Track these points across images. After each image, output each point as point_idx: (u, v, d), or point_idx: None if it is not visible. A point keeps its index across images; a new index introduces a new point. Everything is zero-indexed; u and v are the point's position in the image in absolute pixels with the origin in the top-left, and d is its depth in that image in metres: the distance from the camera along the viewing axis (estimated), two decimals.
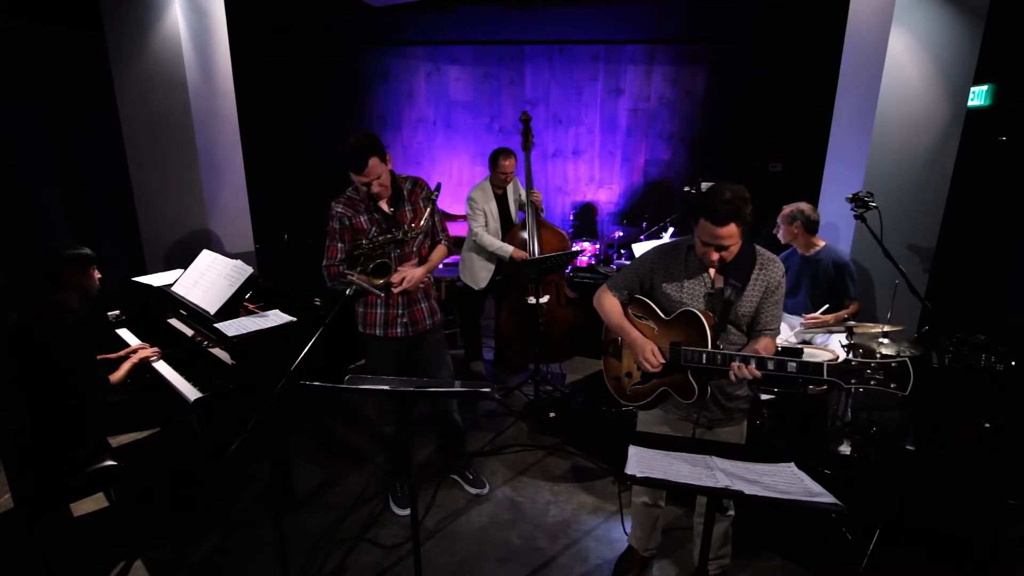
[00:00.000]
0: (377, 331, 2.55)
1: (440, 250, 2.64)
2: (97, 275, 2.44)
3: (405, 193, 2.50)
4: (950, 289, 4.13)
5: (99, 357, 2.64)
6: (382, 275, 2.40)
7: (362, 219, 2.44)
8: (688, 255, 1.98)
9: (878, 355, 1.63)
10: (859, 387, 1.61)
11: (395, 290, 2.43)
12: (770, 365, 1.72)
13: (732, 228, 1.76)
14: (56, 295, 2.33)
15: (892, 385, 1.57)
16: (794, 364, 1.70)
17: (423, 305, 2.60)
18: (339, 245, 2.45)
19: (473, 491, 2.90)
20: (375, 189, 2.34)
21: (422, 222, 2.48)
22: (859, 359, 1.62)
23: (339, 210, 2.43)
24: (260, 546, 2.54)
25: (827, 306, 2.96)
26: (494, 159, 3.81)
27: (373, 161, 2.27)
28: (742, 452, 1.52)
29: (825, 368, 1.64)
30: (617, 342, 2.14)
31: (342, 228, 2.43)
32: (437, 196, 2.50)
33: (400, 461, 2.83)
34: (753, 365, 1.74)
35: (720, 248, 1.80)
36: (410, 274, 2.44)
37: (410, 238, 2.46)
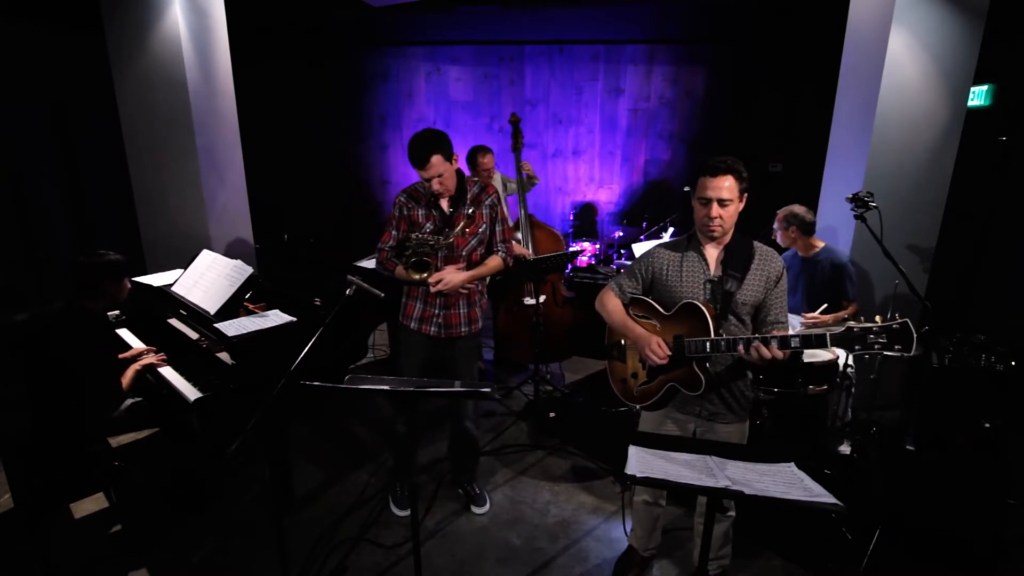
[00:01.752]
0: (412, 324, 2.56)
1: (494, 260, 2.57)
2: (128, 284, 2.44)
3: (469, 197, 2.49)
4: (950, 289, 4.13)
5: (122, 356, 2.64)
6: (420, 271, 2.40)
7: (419, 212, 2.46)
8: (688, 245, 2.01)
9: (878, 319, 1.62)
10: (864, 352, 1.60)
11: (432, 290, 2.43)
12: (774, 344, 1.73)
13: (729, 180, 1.85)
14: (86, 303, 2.31)
15: (896, 347, 1.56)
16: (797, 339, 1.71)
17: (462, 311, 2.56)
18: (393, 232, 2.50)
19: (473, 508, 2.81)
20: (435, 187, 2.36)
21: (478, 228, 2.47)
22: (860, 325, 1.61)
23: (402, 199, 2.48)
24: (260, 546, 2.54)
25: (825, 305, 2.95)
26: (472, 157, 3.85)
27: (436, 159, 2.29)
28: (742, 452, 1.52)
29: (828, 337, 1.64)
30: (621, 344, 2.14)
31: (400, 216, 2.48)
32: (497, 201, 2.51)
33: (401, 462, 2.83)
34: (757, 345, 1.75)
35: (720, 203, 1.86)
36: (449, 277, 2.40)
37: (448, 242, 2.43)
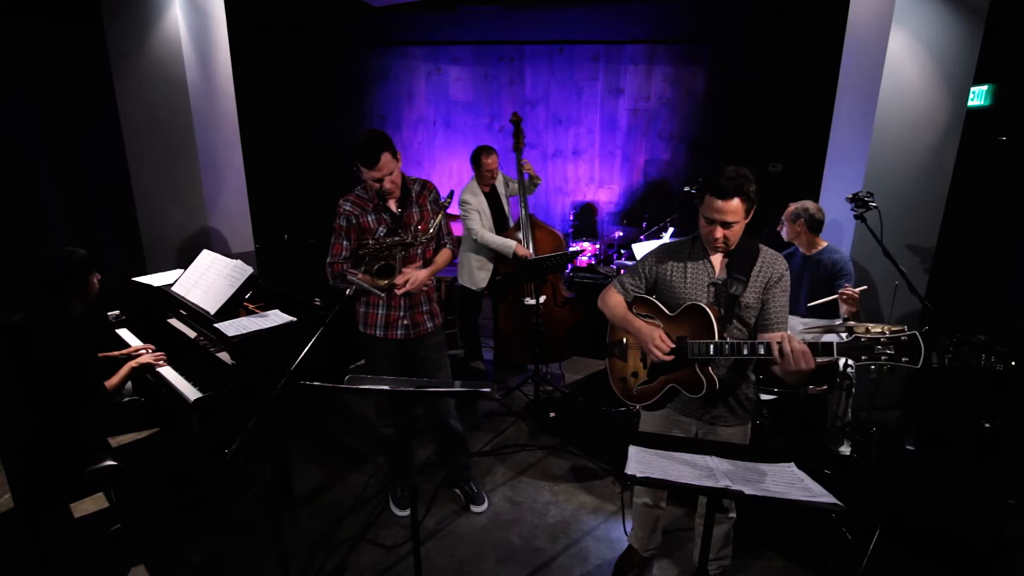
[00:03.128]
0: (377, 332, 2.54)
1: (445, 253, 2.61)
2: (97, 279, 2.41)
3: (413, 195, 2.49)
4: (950, 289, 4.13)
5: (101, 356, 2.64)
6: (386, 276, 2.39)
7: (369, 218, 2.44)
8: (693, 247, 2.00)
9: (886, 330, 1.59)
10: (871, 363, 1.58)
11: (398, 291, 2.41)
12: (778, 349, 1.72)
13: (736, 203, 1.79)
14: (57, 303, 2.29)
15: (904, 359, 1.53)
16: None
17: (425, 308, 2.58)
18: (344, 243, 2.46)
19: (472, 507, 2.81)
20: (387, 185, 2.34)
21: (428, 224, 2.46)
22: (868, 335, 1.58)
23: (347, 208, 2.44)
24: (260, 546, 2.54)
25: (829, 298, 2.92)
26: (476, 158, 3.84)
27: (385, 156, 2.28)
28: (742, 452, 1.52)
29: (835, 347, 1.62)
30: (622, 343, 2.14)
31: (348, 226, 2.44)
32: (449, 204, 2.49)
33: (400, 462, 2.83)
34: (763, 352, 1.74)
35: (724, 225, 1.82)
36: (414, 276, 2.41)
37: (418, 243, 2.44)
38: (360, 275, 2.39)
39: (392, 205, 2.46)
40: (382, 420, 2.74)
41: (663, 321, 1.99)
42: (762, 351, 1.75)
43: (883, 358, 1.57)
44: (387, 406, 2.71)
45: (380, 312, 2.53)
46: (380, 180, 2.32)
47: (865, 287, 2.87)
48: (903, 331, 1.55)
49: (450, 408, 2.77)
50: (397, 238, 2.41)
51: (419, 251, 2.50)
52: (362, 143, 2.29)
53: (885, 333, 1.57)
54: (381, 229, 2.44)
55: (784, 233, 3.18)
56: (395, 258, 2.43)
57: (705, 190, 1.84)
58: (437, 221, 2.47)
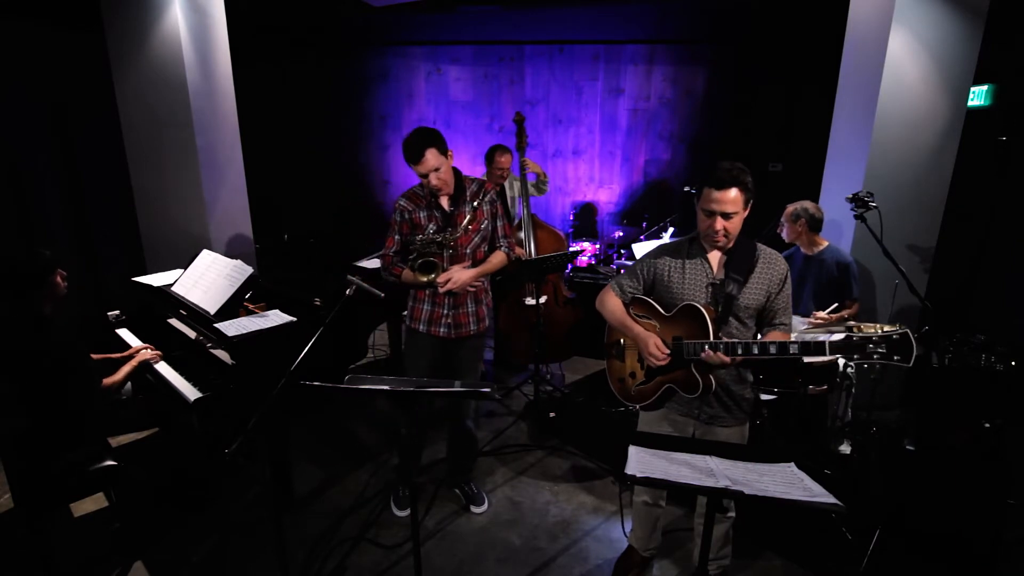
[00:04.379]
0: (420, 327, 2.56)
1: (498, 256, 2.58)
2: (61, 277, 2.32)
3: (468, 194, 2.49)
4: (950, 289, 4.12)
5: (100, 357, 2.63)
6: (427, 272, 2.40)
7: (421, 215, 2.47)
8: (691, 247, 2.00)
9: (878, 329, 1.62)
10: (863, 362, 1.60)
11: (440, 290, 2.42)
12: (772, 349, 1.74)
13: (734, 193, 1.81)
14: (19, 302, 2.24)
15: (896, 358, 1.56)
16: (796, 346, 1.71)
17: (470, 309, 2.56)
18: (396, 237, 2.51)
19: (472, 508, 2.81)
20: (434, 182, 2.36)
21: (480, 224, 2.47)
22: (860, 334, 1.60)
23: (402, 203, 2.49)
24: (260, 546, 2.54)
25: (836, 304, 2.95)
26: (490, 156, 3.83)
27: (430, 152, 2.30)
28: (742, 452, 1.52)
29: (827, 345, 1.64)
30: (620, 344, 2.14)
31: (401, 221, 2.49)
32: (494, 198, 2.51)
33: (406, 464, 2.83)
34: (757, 352, 1.75)
35: (724, 216, 1.83)
36: (457, 276, 2.40)
37: (455, 238, 2.43)
38: (405, 271, 2.45)
39: (444, 203, 2.47)
40: (391, 420, 2.74)
41: (659, 321, 1.99)
42: (756, 351, 1.75)
43: (875, 356, 1.59)
44: (394, 407, 2.71)
45: (425, 307, 2.55)
46: (426, 175, 2.35)
47: (845, 313, 2.92)
48: (895, 330, 1.57)
49: (470, 410, 2.77)
50: (439, 236, 2.42)
51: (468, 251, 2.49)
52: (407, 139, 2.33)
53: (877, 332, 1.59)
54: (431, 226, 2.46)
55: (784, 234, 3.18)
56: (440, 256, 2.43)
57: (702, 184, 1.87)
58: (481, 219, 2.46)
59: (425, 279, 2.39)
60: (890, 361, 1.57)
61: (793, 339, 1.76)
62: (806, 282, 3.16)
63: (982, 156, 3.86)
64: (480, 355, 2.73)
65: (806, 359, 2.72)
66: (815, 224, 3.07)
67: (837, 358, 2.79)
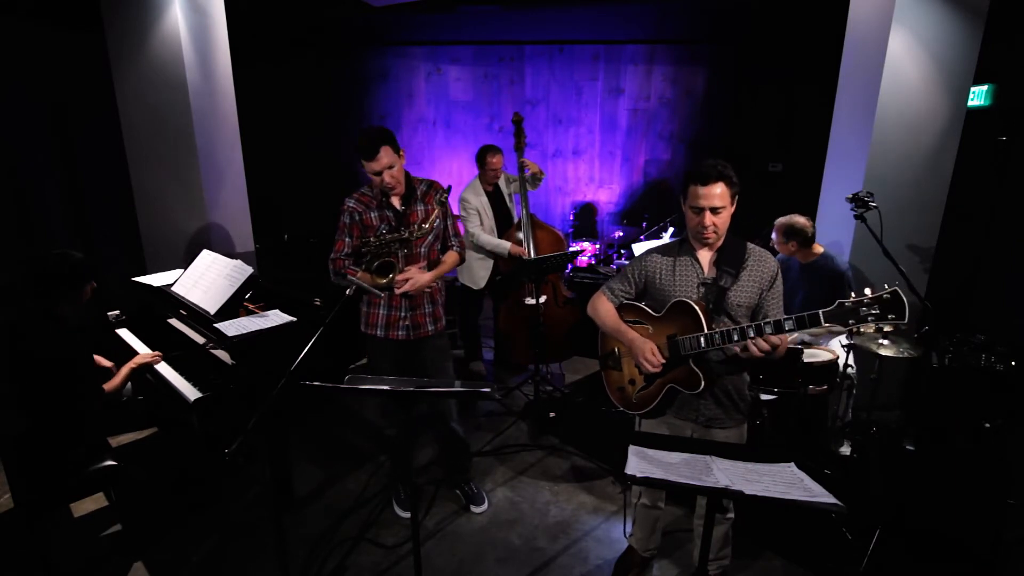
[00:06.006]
0: (378, 332, 2.53)
1: (451, 256, 2.59)
2: (92, 289, 2.36)
3: (419, 194, 2.49)
4: (950, 289, 4.13)
5: (99, 363, 2.63)
6: (385, 274, 2.38)
7: (372, 215, 2.44)
8: (681, 247, 2.00)
9: (868, 292, 1.62)
10: (858, 326, 1.61)
11: (397, 291, 2.40)
12: (768, 330, 1.73)
13: (720, 187, 1.83)
14: (43, 303, 2.26)
15: (890, 316, 1.56)
16: (792, 322, 1.70)
17: (427, 310, 2.55)
18: (347, 239, 2.47)
19: (472, 508, 2.81)
20: (387, 179, 2.34)
21: (431, 222, 2.44)
22: (852, 300, 1.61)
23: (351, 204, 2.45)
24: (260, 546, 2.54)
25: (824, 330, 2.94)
26: (481, 156, 3.84)
27: (384, 150, 2.29)
28: (742, 452, 1.52)
29: (822, 315, 1.64)
30: (615, 352, 2.13)
31: (351, 223, 2.45)
32: (446, 197, 2.47)
33: (401, 463, 2.83)
34: (752, 335, 1.75)
35: (713, 211, 1.84)
36: (415, 278, 2.40)
37: (416, 237, 2.42)
38: (360, 273, 2.39)
39: (396, 202, 2.45)
40: (386, 420, 2.73)
41: (651, 322, 1.99)
42: (752, 334, 1.75)
43: (870, 319, 1.59)
44: (388, 406, 2.71)
45: (381, 312, 2.52)
46: (379, 173, 2.33)
47: (797, 336, 2.89)
48: (885, 291, 1.58)
49: (452, 411, 2.75)
50: (397, 234, 2.40)
51: (422, 251, 2.48)
52: (362, 136, 2.31)
53: (867, 295, 1.59)
54: (383, 226, 2.43)
55: (777, 249, 3.15)
56: (396, 256, 2.42)
57: (687, 182, 1.90)
58: (433, 216, 2.44)
59: (383, 280, 2.36)
60: (885, 321, 1.57)
61: (786, 316, 1.75)
62: (800, 288, 3.13)
63: (982, 156, 3.86)
64: (447, 355, 2.70)
65: (807, 359, 2.73)
66: (807, 241, 3.04)
67: (837, 357, 2.79)
